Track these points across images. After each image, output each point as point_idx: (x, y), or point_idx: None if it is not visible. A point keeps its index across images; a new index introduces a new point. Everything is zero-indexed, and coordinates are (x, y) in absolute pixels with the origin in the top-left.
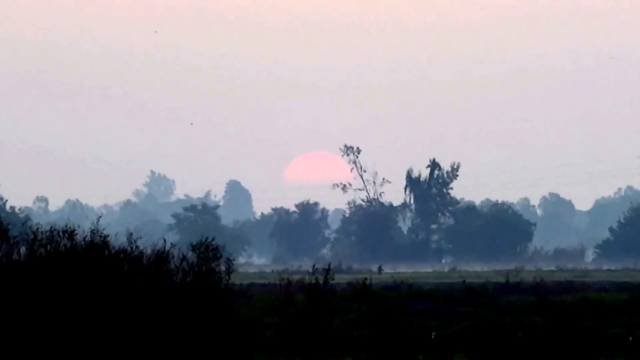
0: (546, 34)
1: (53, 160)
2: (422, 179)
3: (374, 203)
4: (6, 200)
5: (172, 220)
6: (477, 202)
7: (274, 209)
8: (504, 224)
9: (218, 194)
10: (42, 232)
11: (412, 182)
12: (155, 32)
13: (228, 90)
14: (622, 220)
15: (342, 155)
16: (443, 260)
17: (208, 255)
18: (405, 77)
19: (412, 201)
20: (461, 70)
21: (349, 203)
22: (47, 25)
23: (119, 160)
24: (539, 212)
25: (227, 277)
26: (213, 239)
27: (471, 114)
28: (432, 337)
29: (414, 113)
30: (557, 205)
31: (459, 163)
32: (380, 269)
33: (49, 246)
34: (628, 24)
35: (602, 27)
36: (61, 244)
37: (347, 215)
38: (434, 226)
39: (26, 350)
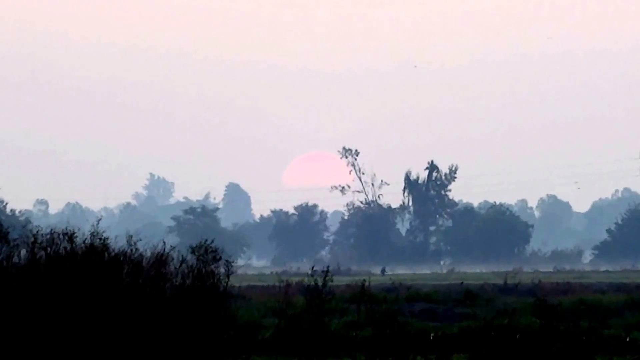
0: (542, 36)
1: (53, 163)
2: (420, 181)
3: (372, 205)
4: (6, 203)
5: (172, 223)
6: (475, 204)
7: (273, 211)
8: (501, 225)
9: (217, 197)
10: (42, 235)
11: (411, 184)
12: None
13: (227, 92)
14: (619, 221)
15: (341, 158)
16: (441, 262)
17: (207, 257)
18: (404, 80)
19: (410, 203)
20: (459, 73)
21: (347, 205)
22: (47, 28)
23: (119, 163)
24: (536, 213)
25: (227, 279)
26: (212, 242)
27: (469, 116)
28: (431, 338)
29: (413, 115)
30: (554, 207)
31: (457, 165)
32: (383, 270)
33: (49, 249)
34: (625, 24)
35: (599, 29)
36: (61, 247)
37: (345, 217)
38: (432, 228)
39: (27, 352)
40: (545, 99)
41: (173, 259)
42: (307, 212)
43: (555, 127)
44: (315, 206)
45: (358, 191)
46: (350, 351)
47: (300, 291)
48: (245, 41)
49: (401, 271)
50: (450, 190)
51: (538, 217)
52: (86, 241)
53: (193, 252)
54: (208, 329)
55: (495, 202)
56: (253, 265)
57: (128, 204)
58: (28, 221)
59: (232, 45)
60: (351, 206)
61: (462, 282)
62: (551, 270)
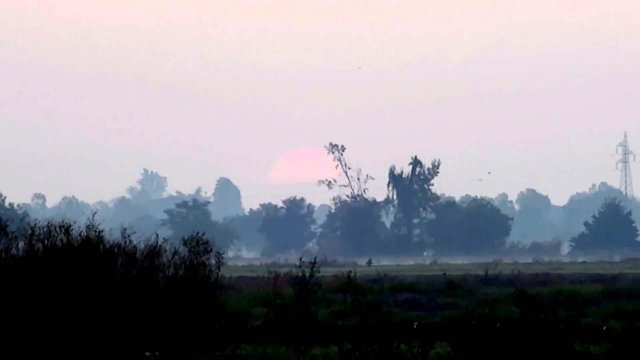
0: (522, 32)
1: (50, 158)
2: (404, 175)
3: (358, 199)
4: (5, 197)
5: (165, 216)
6: (457, 198)
7: (262, 205)
8: (482, 218)
9: (208, 191)
10: (39, 228)
11: (395, 179)
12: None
13: (218, 91)
14: (596, 215)
15: (328, 153)
16: (424, 254)
17: (199, 249)
18: (388, 77)
19: (394, 197)
20: (441, 70)
21: (334, 199)
22: (44, 26)
23: (114, 158)
24: (516, 207)
25: (217, 270)
26: (204, 234)
27: (451, 113)
28: (414, 327)
29: (397, 112)
30: (534, 200)
31: (439, 160)
32: (369, 261)
33: (46, 241)
34: (607, 19)
35: (582, 24)
36: (58, 239)
37: (332, 210)
38: (415, 221)
39: (25, 340)
40: (525, 96)
41: (166, 250)
42: (295, 205)
43: (535, 124)
44: (303, 200)
45: (344, 185)
46: (337, 339)
47: (289, 282)
48: (236, 40)
49: (385, 262)
50: (433, 185)
51: (518, 210)
52: (82, 234)
53: (185, 244)
54: (200, 318)
55: (476, 196)
56: (243, 256)
57: (122, 198)
58: (26, 214)
59: (223, 44)
60: (337, 200)
61: (444, 273)
62: (530, 261)
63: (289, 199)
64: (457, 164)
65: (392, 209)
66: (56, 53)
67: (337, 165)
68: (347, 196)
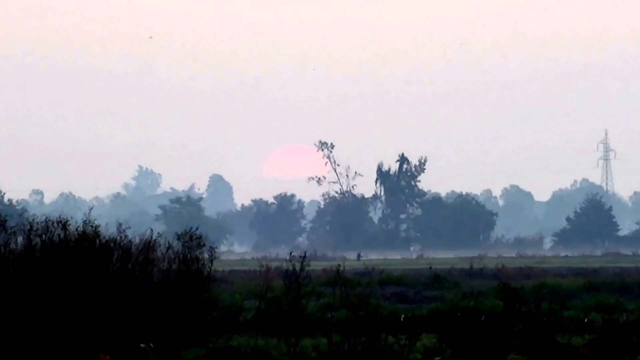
0: (507, 29)
1: (48, 155)
2: (391, 172)
3: (346, 195)
4: (4, 193)
5: (159, 212)
6: (443, 194)
7: (254, 201)
8: (467, 214)
9: (202, 187)
10: (37, 223)
11: (383, 175)
12: (151, 37)
13: (212, 90)
14: (578, 210)
15: (317, 151)
16: (411, 248)
17: (192, 244)
18: (377, 77)
19: (382, 193)
20: (428, 68)
21: (323, 195)
22: (40, 22)
23: (109, 155)
24: (500, 202)
25: (210, 264)
26: (197, 229)
27: (437, 112)
28: (401, 319)
29: (384, 111)
30: (517, 196)
31: (426, 157)
32: (359, 256)
33: (44, 236)
34: (595, 15)
35: (565, 21)
36: (55, 234)
37: (322, 206)
38: (402, 216)
39: (24, 333)
40: (509, 94)
41: (160, 245)
42: (285, 201)
43: (518, 122)
44: (293, 196)
45: (333, 182)
46: (326, 331)
47: (279, 275)
48: (229, 38)
49: (373, 256)
50: (419, 181)
51: (502, 205)
52: (79, 229)
53: (179, 239)
54: (193, 311)
55: (461, 192)
56: (235, 251)
57: (118, 193)
58: (24, 210)
59: (216, 42)
60: (327, 196)
61: (430, 267)
62: (514, 255)
63: (280, 195)
64: (443, 161)
65: (379, 204)
66: (53, 49)
67: (327, 162)
68: (336, 192)
